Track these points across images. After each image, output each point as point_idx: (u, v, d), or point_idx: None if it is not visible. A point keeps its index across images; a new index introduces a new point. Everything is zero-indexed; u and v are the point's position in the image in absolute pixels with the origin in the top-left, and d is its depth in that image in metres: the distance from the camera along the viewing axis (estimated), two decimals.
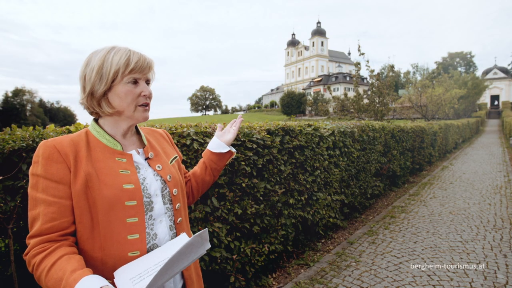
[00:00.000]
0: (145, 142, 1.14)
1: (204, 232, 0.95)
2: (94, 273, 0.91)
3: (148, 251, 1.00)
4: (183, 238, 1.06)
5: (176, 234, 1.12)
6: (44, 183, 0.92)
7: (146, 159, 1.10)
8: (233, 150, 1.35)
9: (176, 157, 1.23)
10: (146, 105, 1.05)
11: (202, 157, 1.37)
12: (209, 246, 1.00)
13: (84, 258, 0.94)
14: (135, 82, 1.02)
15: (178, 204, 1.13)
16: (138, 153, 1.10)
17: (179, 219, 1.13)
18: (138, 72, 1.01)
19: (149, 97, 1.05)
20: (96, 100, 1.00)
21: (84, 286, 0.80)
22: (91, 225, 0.95)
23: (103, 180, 0.96)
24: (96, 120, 1.07)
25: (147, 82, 1.07)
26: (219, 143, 1.33)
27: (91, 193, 0.94)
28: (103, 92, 0.98)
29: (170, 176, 1.12)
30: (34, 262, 0.88)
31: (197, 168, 1.36)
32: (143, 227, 1.00)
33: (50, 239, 0.91)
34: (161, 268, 0.83)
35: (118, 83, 0.99)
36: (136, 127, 1.17)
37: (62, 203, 0.92)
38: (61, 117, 68.94)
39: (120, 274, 0.92)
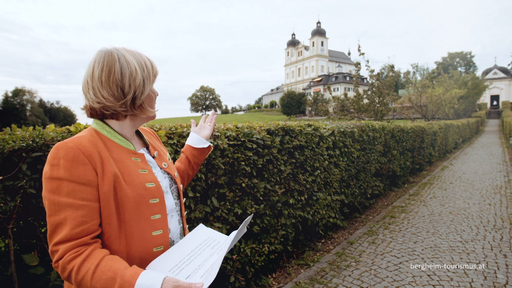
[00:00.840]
0: (147, 141, 1.16)
1: (249, 219, 1.11)
2: None
3: (169, 245, 1.06)
4: (201, 228, 1.14)
5: (183, 227, 1.17)
6: (70, 186, 0.88)
7: (153, 158, 1.14)
8: (211, 145, 1.45)
9: (168, 154, 1.29)
10: None
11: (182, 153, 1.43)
12: (245, 230, 1.14)
13: None
14: None
15: (184, 198, 1.22)
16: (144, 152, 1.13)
17: (185, 212, 1.21)
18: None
19: None
20: (139, 103, 1.01)
21: (147, 280, 0.81)
22: (118, 225, 0.95)
23: (127, 180, 0.97)
24: (102, 120, 1.04)
25: None
26: (199, 139, 1.40)
27: (118, 193, 0.94)
28: (146, 94, 1.02)
29: (176, 173, 1.18)
30: (72, 266, 0.85)
31: (179, 164, 1.39)
32: (166, 223, 1.05)
33: (83, 242, 0.88)
34: (225, 252, 0.97)
35: (152, 85, 1.05)
36: None
37: (91, 206, 0.90)
38: (61, 117, 68.87)
39: (155, 268, 0.94)
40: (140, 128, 1.22)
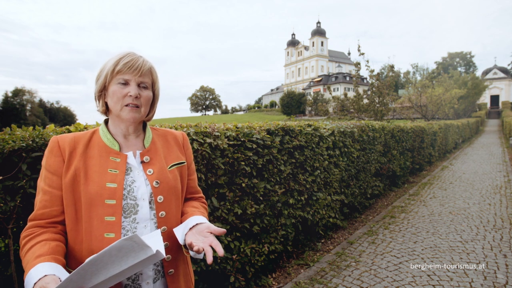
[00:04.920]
0: (146, 145, 1.13)
1: (135, 236, 0.81)
2: (75, 264, 0.97)
3: None
4: (155, 235, 0.97)
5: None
6: (44, 173, 1.02)
7: (141, 162, 1.10)
8: (187, 251, 1.07)
9: (181, 163, 1.19)
10: (134, 105, 1.05)
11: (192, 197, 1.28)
12: (152, 252, 0.85)
13: (69, 248, 1.01)
14: (125, 83, 1.05)
15: (163, 212, 1.07)
16: (135, 155, 1.10)
17: (162, 227, 1.06)
18: (128, 73, 1.04)
19: (136, 97, 1.04)
20: (101, 99, 1.10)
21: (34, 271, 0.85)
22: (75, 218, 1.00)
23: (90, 176, 1.01)
24: (107, 121, 1.13)
25: (143, 85, 1.08)
26: (182, 236, 1.05)
27: (77, 187, 1.00)
28: (99, 91, 1.08)
29: (157, 182, 1.07)
30: (21, 243, 0.97)
31: (186, 209, 1.20)
32: (119, 227, 1.00)
33: (39, 224, 0.99)
34: (77, 269, 0.77)
35: (110, 84, 1.06)
36: (144, 129, 1.17)
37: (54, 193, 1.00)
38: (61, 117, 68.80)
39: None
40: (162, 130, 1.22)
